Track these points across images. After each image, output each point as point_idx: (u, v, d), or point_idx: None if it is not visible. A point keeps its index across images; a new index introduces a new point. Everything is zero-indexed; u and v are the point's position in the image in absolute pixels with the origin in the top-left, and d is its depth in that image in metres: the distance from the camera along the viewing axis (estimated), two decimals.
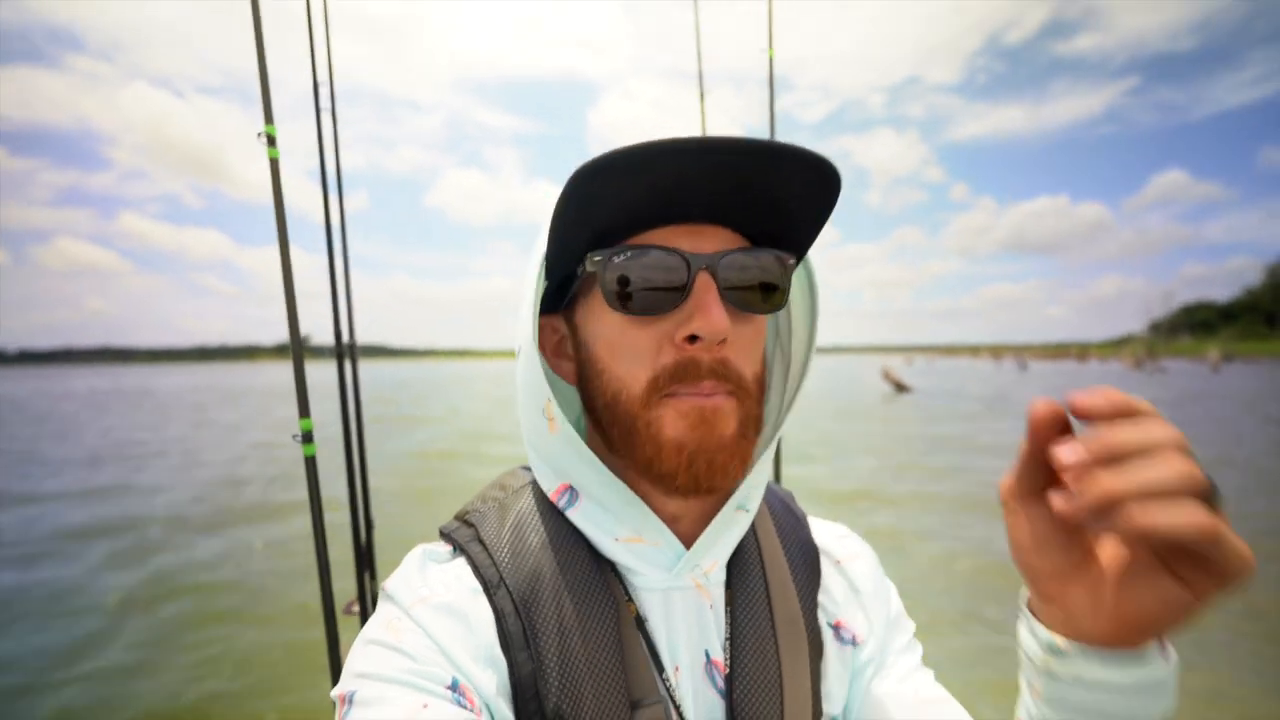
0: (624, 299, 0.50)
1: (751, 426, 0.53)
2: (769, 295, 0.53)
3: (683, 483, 0.50)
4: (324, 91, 1.79)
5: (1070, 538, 0.39)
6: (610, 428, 0.53)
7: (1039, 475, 0.38)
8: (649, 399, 0.50)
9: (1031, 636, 0.42)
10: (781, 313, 0.66)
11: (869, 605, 0.65)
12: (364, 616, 1.87)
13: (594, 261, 0.51)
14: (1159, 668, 0.39)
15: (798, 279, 0.63)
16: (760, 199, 0.50)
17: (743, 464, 0.52)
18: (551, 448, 0.55)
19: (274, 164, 1.56)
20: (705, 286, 0.49)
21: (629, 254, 0.50)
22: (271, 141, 1.56)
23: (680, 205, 0.50)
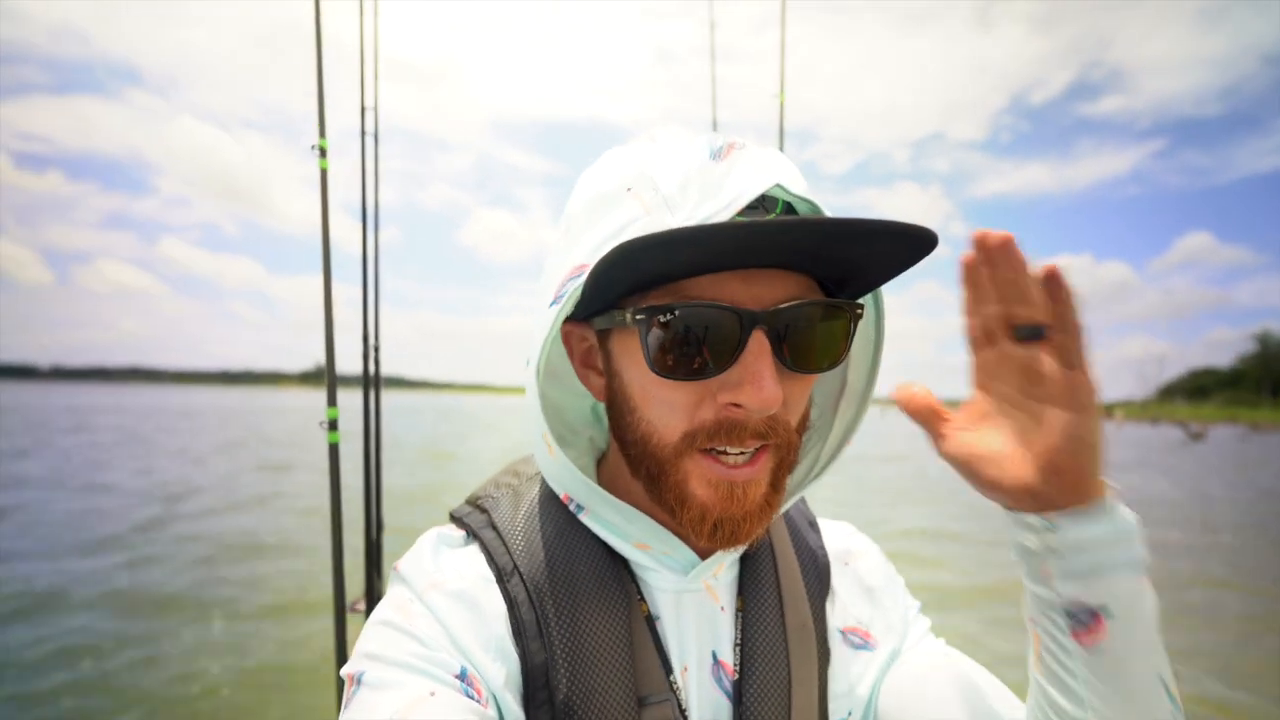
0: (665, 364, 0.45)
1: (785, 474, 0.51)
2: (829, 350, 0.48)
3: (703, 544, 0.50)
4: (369, 117, 1.94)
5: (993, 418, 0.44)
6: (639, 462, 0.51)
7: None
8: (682, 450, 0.48)
9: (1026, 530, 0.43)
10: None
11: (881, 601, 0.64)
12: (369, 616, 1.91)
13: (635, 319, 0.45)
14: (1125, 515, 0.42)
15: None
16: (830, 261, 0.46)
17: (769, 517, 0.50)
18: (551, 468, 0.54)
19: (324, 175, 1.71)
20: (759, 350, 0.44)
21: (675, 313, 0.44)
22: (323, 154, 1.71)
23: (730, 258, 0.45)
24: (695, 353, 0.44)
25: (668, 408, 0.47)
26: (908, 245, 0.44)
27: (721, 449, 0.46)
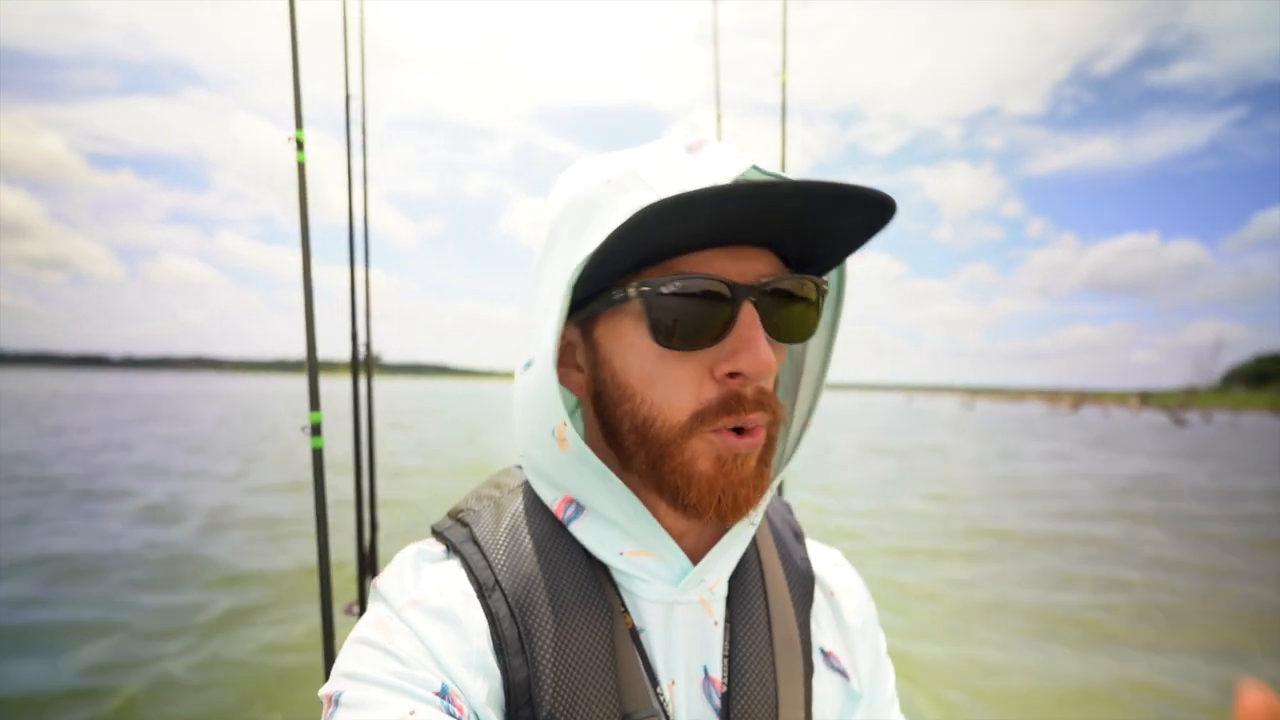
0: (669, 333, 0.48)
1: (772, 451, 0.53)
2: (805, 324, 0.52)
3: (709, 517, 0.50)
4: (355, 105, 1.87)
5: None
6: (636, 449, 0.52)
7: None
8: (690, 430, 0.49)
9: None
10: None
11: (855, 645, 0.64)
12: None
13: (640, 291, 0.48)
14: None
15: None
16: (810, 230, 0.49)
17: (761, 491, 0.51)
18: (558, 464, 0.53)
19: (301, 169, 1.64)
20: (750, 319, 0.48)
21: (677, 283, 0.47)
22: (300, 146, 1.64)
23: (728, 232, 0.48)
24: (697, 323, 0.47)
25: (673, 386, 0.49)
26: (870, 214, 0.46)
27: (730, 426, 0.48)
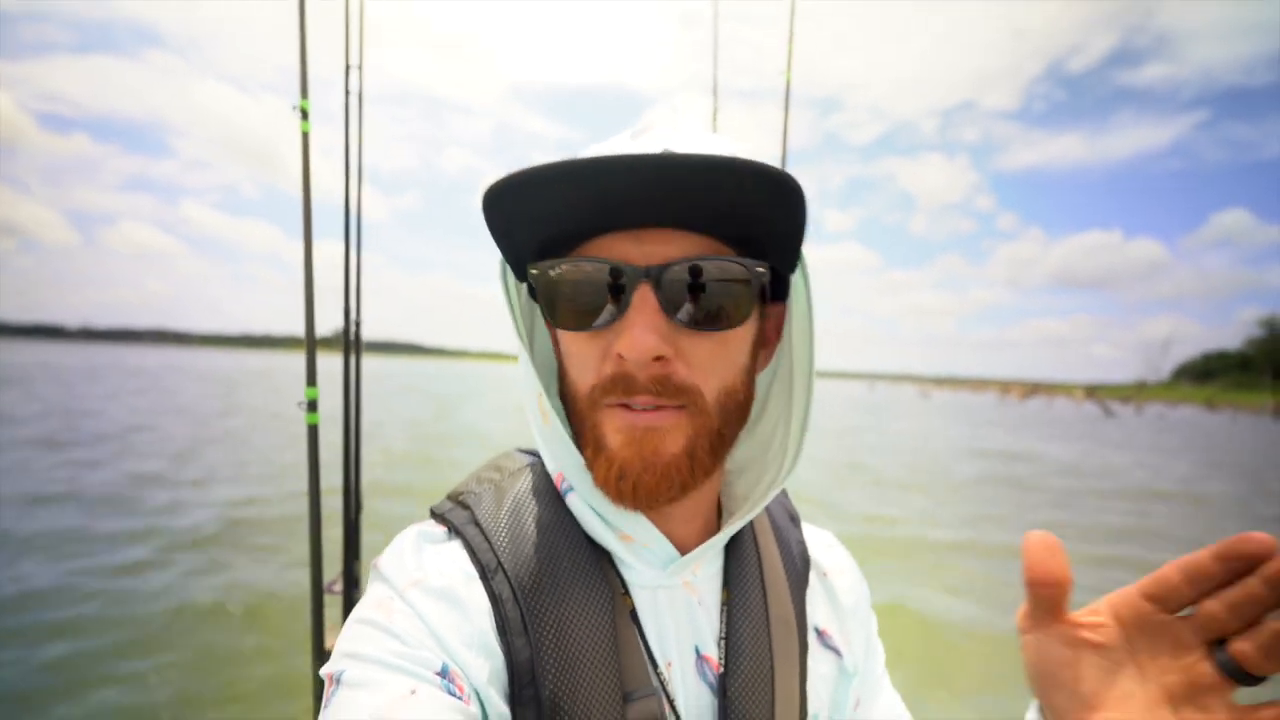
0: (557, 315, 0.50)
1: (708, 444, 0.50)
2: (723, 309, 0.48)
3: (612, 496, 0.50)
4: (354, 76, 1.83)
5: (1088, 665, 0.36)
6: (573, 424, 0.53)
7: (1047, 604, 0.37)
8: (593, 403, 0.50)
9: None
10: (786, 328, 0.60)
11: (847, 623, 0.65)
12: (346, 598, 1.87)
13: (531, 275, 0.50)
14: None
15: (798, 291, 0.57)
16: (713, 208, 0.46)
17: (681, 480, 0.49)
18: (546, 439, 0.55)
19: (305, 138, 1.61)
20: (641, 302, 0.46)
21: (562, 268, 0.48)
22: (305, 115, 1.61)
23: (621, 214, 0.46)
24: (583, 305, 0.48)
25: (580, 363, 0.50)
26: (768, 184, 0.43)
27: (622, 403, 0.48)
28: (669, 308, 0.47)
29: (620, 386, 0.48)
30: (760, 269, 0.49)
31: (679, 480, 0.49)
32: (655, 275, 0.46)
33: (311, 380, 1.61)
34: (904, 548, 6.57)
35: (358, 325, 1.93)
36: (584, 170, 0.42)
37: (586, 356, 0.50)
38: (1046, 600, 0.36)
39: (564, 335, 0.51)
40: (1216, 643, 0.34)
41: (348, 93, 1.77)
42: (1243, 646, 0.32)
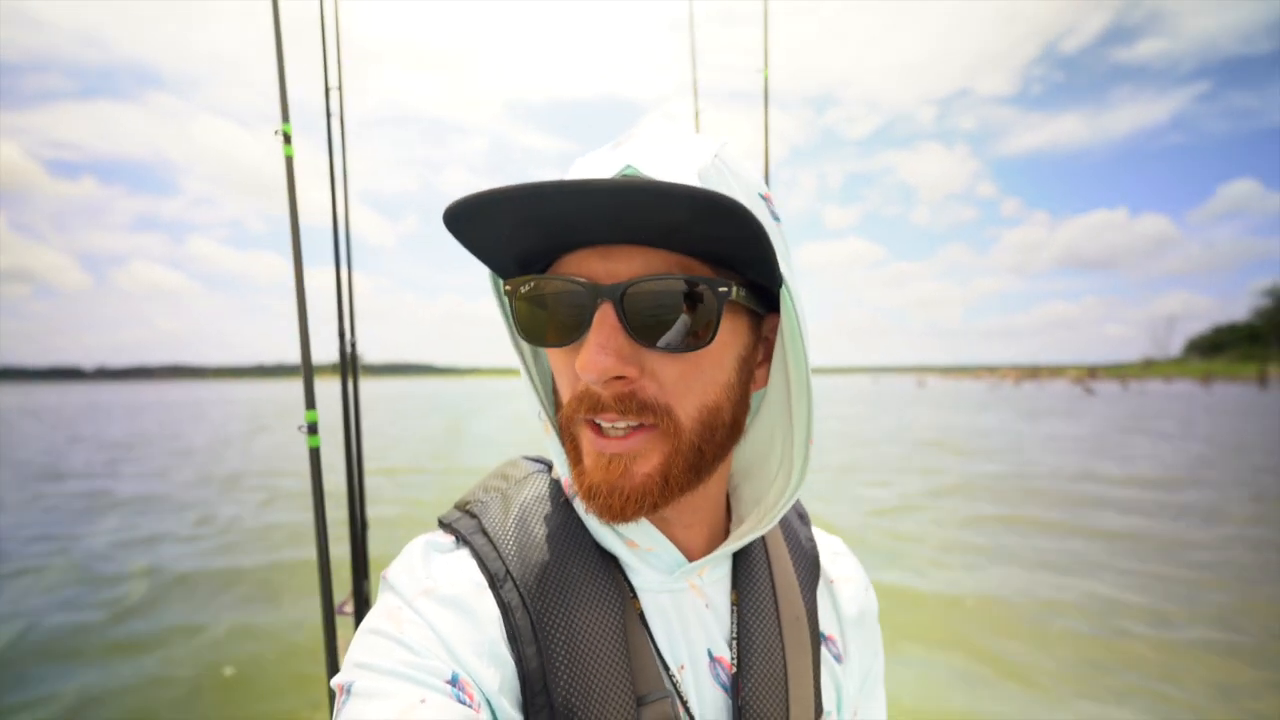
0: (526, 333, 0.50)
1: (682, 463, 0.49)
2: (690, 327, 0.46)
3: (589, 510, 0.51)
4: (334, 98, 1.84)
5: None
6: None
7: None
8: (571, 418, 0.51)
9: None
10: (780, 341, 0.58)
11: (849, 632, 0.65)
12: (357, 617, 1.87)
13: (505, 292, 0.51)
14: None
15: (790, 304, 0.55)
16: (670, 228, 0.44)
17: (651, 502, 0.49)
18: (551, 451, 0.55)
19: (289, 162, 1.61)
20: (600, 321, 0.46)
21: (528, 286, 0.49)
22: (287, 139, 1.61)
23: (586, 233, 0.46)
24: (550, 323, 0.48)
25: (560, 377, 0.52)
26: (711, 214, 0.41)
27: (595, 420, 0.48)
28: (631, 326, 0.46)
29: (587, 404, 0.48)
30: (725, 287, 0.47)
31: (649, 501, 0.49)
32: (616, 294, 0.45)
33: (310, 404, 1.61)
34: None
35: (353, 347, 1.93)
36: (531, 194, 0.41)
37: (563, 371, 0.51)
38: None
39: (550, 351, 0.51)
40: None
41: (329, 115, 1.79)
42: None
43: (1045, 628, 4.46)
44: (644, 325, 0.46)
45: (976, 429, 19.60)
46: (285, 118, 1.61)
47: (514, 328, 0.52)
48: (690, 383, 0.48)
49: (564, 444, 0.53)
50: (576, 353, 0.48)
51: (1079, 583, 5.35)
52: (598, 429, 0.48)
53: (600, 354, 0.45)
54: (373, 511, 2.09)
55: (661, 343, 0.46)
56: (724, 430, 0.51)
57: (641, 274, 0.46)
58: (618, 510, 0.48)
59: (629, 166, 0.47)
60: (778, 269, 0.48)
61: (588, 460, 0.50)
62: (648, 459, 0.48)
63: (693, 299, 0.46)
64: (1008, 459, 12.79)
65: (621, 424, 0.47)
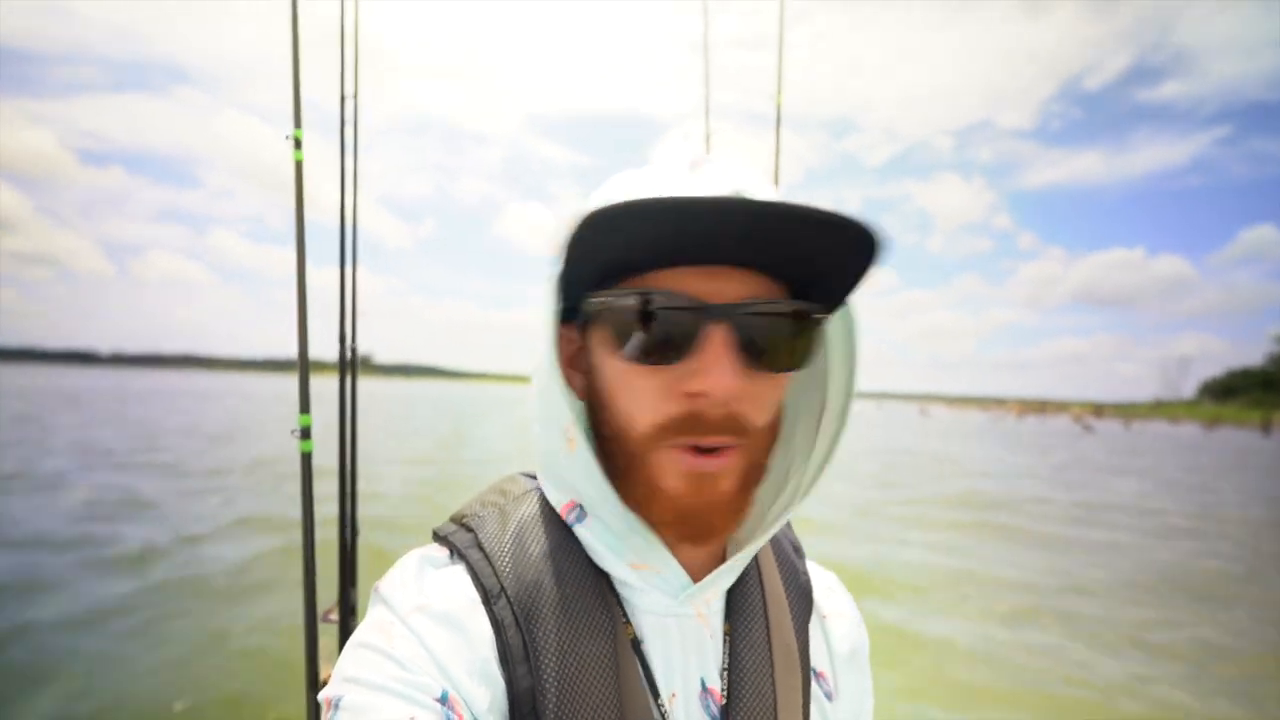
0: (624, 347, 0.48)
1: (754, 476, 0.51)
2: (793, 352, 0.49)
3: (671, 536, 0.51)
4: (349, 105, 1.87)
5: None
6: (614, 457, 0.52)
7: None
8: (652, 443, 0.48)
9: None
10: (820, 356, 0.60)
11: (840, 669, 0.64)
12: (342, 626, 1.85)
13: (596, 303, 0.49)
14: None
15: (839, 323, 0.57)
16: (786, 252, 0.46)
17: (738, 516, 0.50)
18: (568, 466, 0.53)
19: (299, 167, 1.63)
20: (718, 340, 0.46)
21: (632, 298, 0.47)
22: (298, 145, 1.64)
23: (695, 249, 0.46)
24: (658, 339, 0.46)
25: (637, 398, 0.48)
26: (851, 242, 0.43)
27: (691, 444, 0.47)
28: (745, 348, 0.47)
29: (690, 426, 0.47)
30: (818, 316, 0.50)
31: (736, 517, 0.50)
32: (731, 314, 0.46)
33: (305, 407, 1.61)
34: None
35: (353, 349, 1.94)
36: (674, 208, 0.41)
37: (646, 391, 0.48)
38: None
39: (620, 367, 0.49)
40: None
41: (343, 122, 1.82)
42: None
43: None
44: (755, 347, 0.47)
45: (906, 450, 21.14)
46: (298, 123, 1.64)
47: (601, 340, 0.50)
48: (767, 402, 0.50)
49: (623, 467, 0.51)
50: (666, 373, 0.47)
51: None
52: (694, 450, 0.47)
53: (732, 376, 0.45)
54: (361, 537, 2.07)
55: (766, 365, 0.48)
56: (773, 444, 0.53)
57: (750, 296, 0.47)
58: (720, 528, 0.49)
59: (739, 192, 0.47)
60: (846, 295, 0.50)
61: (678, 484, 0.48)
62: (732, 477, 0.48)
63: (798, 324, 0.49)
64: (898, 478, 14.33)
65: (719, 444, 0.47)
